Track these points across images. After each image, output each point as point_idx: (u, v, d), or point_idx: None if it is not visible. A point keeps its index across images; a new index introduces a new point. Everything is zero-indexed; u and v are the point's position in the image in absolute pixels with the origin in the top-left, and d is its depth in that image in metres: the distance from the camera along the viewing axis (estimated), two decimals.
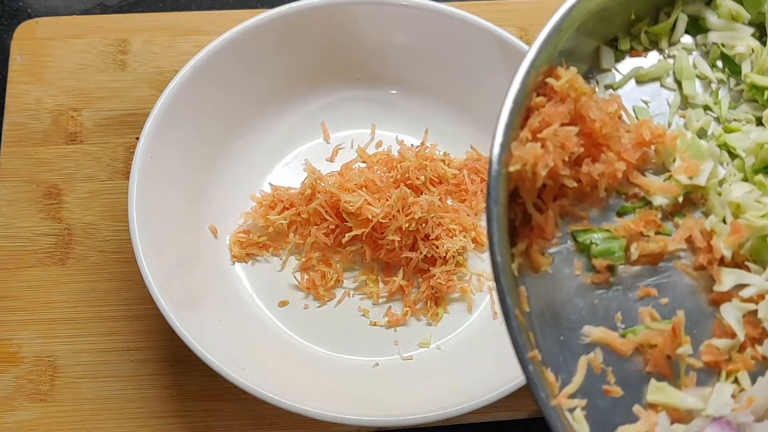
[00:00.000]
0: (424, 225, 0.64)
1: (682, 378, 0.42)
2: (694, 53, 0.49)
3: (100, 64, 0.75)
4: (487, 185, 0.40)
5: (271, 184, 0.70)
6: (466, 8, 0.67)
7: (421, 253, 0.65)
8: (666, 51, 0.49)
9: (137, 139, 0.62)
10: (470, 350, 0.64)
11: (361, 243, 0.67)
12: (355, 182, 0.66)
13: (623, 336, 0.42)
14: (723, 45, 0.48)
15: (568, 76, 0.43)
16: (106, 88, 0.74)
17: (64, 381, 0.63)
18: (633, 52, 0.49)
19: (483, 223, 0.38)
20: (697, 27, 0.49)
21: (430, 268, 0.65)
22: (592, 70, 0.48)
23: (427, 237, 0.65)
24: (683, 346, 0.42)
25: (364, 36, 0.70)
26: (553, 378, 0.40)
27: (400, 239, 0.64)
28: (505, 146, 0.40)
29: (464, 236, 0.66)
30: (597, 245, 0.43)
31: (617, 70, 0.48)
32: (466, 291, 0.66)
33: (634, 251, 0.43)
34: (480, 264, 0.68)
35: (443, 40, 0.69)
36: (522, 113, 0.42)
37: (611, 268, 0.44)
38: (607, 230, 0.44)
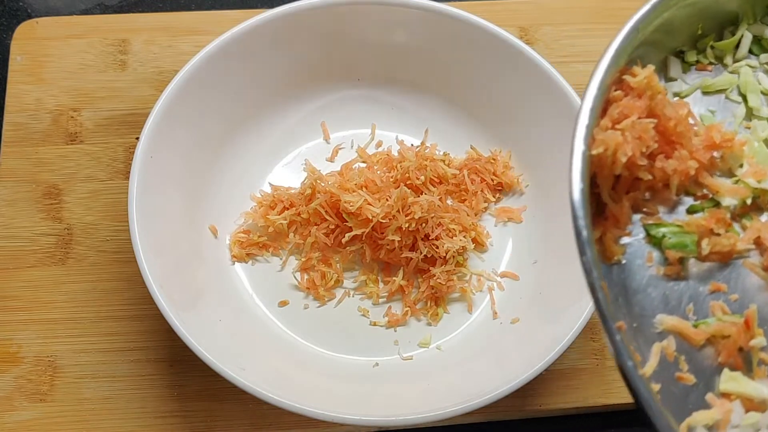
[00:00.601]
0: (424, 225, 0.64)
1: (755, 370, 0.43)
2: (759, 71, 0.51)
3: (100, 64, 0.75)
4: (570, 166, 0.41)
5: (271, 184, 0.70)
6: (466, 8, 0.67)
7: (421, 253, 0.65)
8: (730, 67, 0.51)
9: (137, 139, 0.62)
10: (470, 350, 0.64)
11: (361, 243, 0.67)
12: (355, 182, 0.66)
13: (696, 326, 0.43)
14: None
15: (645, 72, 0.44)
16: (106, 88, 0.74)
17: (64, 381, 0.63)
18: (699, 66, 0.51)
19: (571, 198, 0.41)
20: (760, 46, 0.51)
21: (430, 268, 0.65)
22: (661, 79, 0.49)
23: (427, 237, 0.65)
24: (756, 338, 0.42)
25: (364, 36, 0.70)
26: (637, 355, 0.41)
27: (400, 239, 0.64)
28: (590, 129, 0.42)
29: (464, 236, 0.66)
30: (670, 238, 0.45)
31: (684, 81, 0.50)
32: (466, 291, 0.66)
33: (705, 247, 0.45)
34: (480, 264, 0.68)
35: (443, 40, 0.69)
36: (601, 103, 0.43)
37: (682, 262, 0.45)
38: (679, 225, 0.45)
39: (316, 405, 0.55)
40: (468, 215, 0.68)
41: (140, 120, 0.63)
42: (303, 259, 0.67)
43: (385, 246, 0.65)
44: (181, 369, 0.64)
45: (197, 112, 0.65)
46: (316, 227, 0.67)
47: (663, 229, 0.45)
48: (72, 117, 0.73)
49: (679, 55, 0.51)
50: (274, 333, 0.64)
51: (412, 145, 0.72)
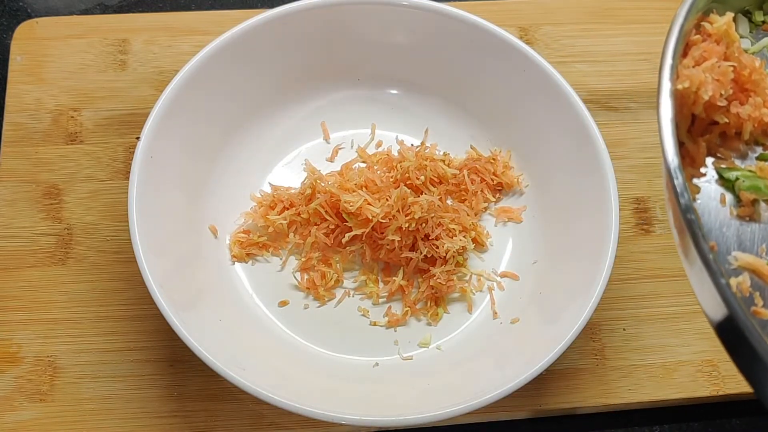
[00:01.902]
0: (424, 225, 0.64)
1: None
2: None
3: (100, 64, 0.75)
4: (658, 100, 0.43)
5: (271, 184, 0.70)
6: (466, 8, 0.68)
7: (421, 253, 0.65)
8: None
9: (137, 138, 0.62)
10: (470, 350, 0.64)
11: (361, 243, 0.67)
12: (355, 182, 0.66)
13: None
14: None
15: (724, 19, 0.46)
16: (106, 88, 0.74)
17: (64, 381, 0.63)
18: (765, 26, 0.52)
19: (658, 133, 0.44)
20: None
21: (430, 268, 0.65)
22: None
23: (427, 237, 0.65)
24: None
25: (364, 36, 0.70)
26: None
27: (400, 239, 0.64)
28: (674, 68, 0.44)
29: (464, 236, 0.66)
30: (744, 181, 0.47)
31: (752, 39, 0.52)
32: (466, 291, 0.66)
33: None
34: (480, 264, 0.68)
35: (443, 40, 0.69)
36: (682, 45, 0.45)
37: (755, 204, 0.47)
38: (752, 170, 0.47)
39: (316, 405, 0.55)
40: (468, 215, 0.68)
41: (140, 120, 0.63)
42: (303, 259, 0.67)
43: (385, 246, 0.65)
44: (181, 369, 0.64)
45: (197, 112, 0.65)
46: (316, 227, 0.67)
47: (736, 173, 0.47)
48: (72, 117, 0.73)
49: (747, 14, 0.52)
50: (274, 333, 0.64)
51: (412, 145, 0.72)
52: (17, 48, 0.75)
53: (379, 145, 0.72)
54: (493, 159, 0.70)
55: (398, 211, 0.64)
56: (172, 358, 0.64)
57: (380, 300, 0.66)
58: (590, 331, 0.67)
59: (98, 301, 0.66)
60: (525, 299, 0.65)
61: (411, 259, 0.65)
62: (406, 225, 0.64)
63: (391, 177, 0.68)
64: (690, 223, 0.41)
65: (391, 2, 0.67)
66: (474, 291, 0.67)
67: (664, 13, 0.81)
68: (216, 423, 0.63)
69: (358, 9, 0.68)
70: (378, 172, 0.69)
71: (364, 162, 0.71)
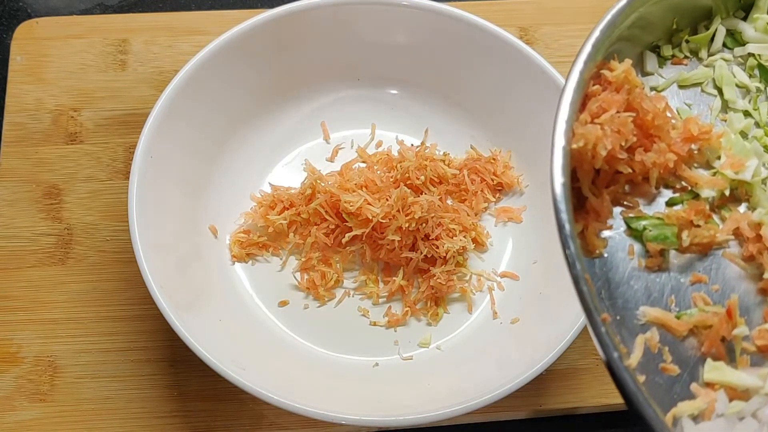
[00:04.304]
0: (424, 225, 0.64)
1: (738, 359, 0.43)
2: (732, 64, 0.51)
3: (100, 64, 0.75)
4: (551, 161, 0.41)
5: (271, 184, 0.70)
6: (467, 8, 0.67)
7: (421, 253, 0.65)
8: (705, 60, 0.51)
9: (138, 139, 0.62)
10: (470, 350, 0.64)
11: (361, 243, 0.67)
12: (355, 182, 0.66)
13: (678, 318, 0.44)
14: (760, 56, 0.51)
15: (623, 67, 0.45)
16: (106, 88, 0.74)
17: (64, 381, 0.63)
18: (674, 60, 0.52)
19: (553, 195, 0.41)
20: (734, 40, 0.52)
21: (430, 268, 0.65)
22: (637, 74, 0.50)
23: (427, 237, 0.65)
24: (739, 327, 0.43)
25: (364, 36, 0.70)
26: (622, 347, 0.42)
27: (400, 239, 0.64)
28: (569, 124, 0.42)
29: (464, 236, 0.66)
30: (650, 231, 0.45)
31: (660, 75, 0.51)
32: (466, 291, 0.66)
33: (686, 238, 0.45)
34: (480, 264, 0.68)
35: (443, 40, 0.69)
36: (580, 98, 0.44)
37: (663, 254, 0.45)
38: (659, 218, 0.46)
39: (316, 405, 0.55)
40: (468, 215, 0.68)
41: (140, 120, 0.63)
42: (303, 259, 0.67)
43: (385, 246, 0.65)
44: (181, 369, 0.64)
45: (197, 112, 0.65)
46: (316, 227, 0.67)
47: (643, 222, 0.46)
48: (72, 117, 0.73)
49: (655, 49, 0.51)
50: (274, 333, 0.64)
51: (412, 145, 0.72)
52: (17, 48, 0.75)
53: (379, 145, 0.72)
54: (493, 159, 0.70)
55: (398, 211, 0.64)
56: (172, 358, 0.64)
57: (380, 300, 0.66)
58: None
59: (98, 301, 0.66)
60: (525, 299, 0.65)
61: (411, 259, 0.65)
62: (406, 225, 0.64)
63: (391, 177, 0.68)
64: (581, 294, 0.40)
65: (391, 2, 0.67)
66: (474, 291, 0.67)
67: None
68: (216, 423, 0.63)
69: (358, 9, 0.68)
70: (378, 172, 0.69)
71: (364, 162, 0.71)
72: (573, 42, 0.79)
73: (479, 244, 0.69)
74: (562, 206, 0.41)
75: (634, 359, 0.42)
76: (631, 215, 0.46)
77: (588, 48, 0.44)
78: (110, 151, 0.72)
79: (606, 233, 0.45)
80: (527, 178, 0.70)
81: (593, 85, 0.45)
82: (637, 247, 0.45)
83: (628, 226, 0.46)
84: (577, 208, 0.45)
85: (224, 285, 0.65)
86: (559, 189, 0.41)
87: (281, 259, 0.68)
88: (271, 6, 0.68)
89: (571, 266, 0.40)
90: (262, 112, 0.71)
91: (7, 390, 0.63)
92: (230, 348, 0.59)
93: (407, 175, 0.68)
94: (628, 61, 0.45)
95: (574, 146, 0.42)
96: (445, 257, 0.65)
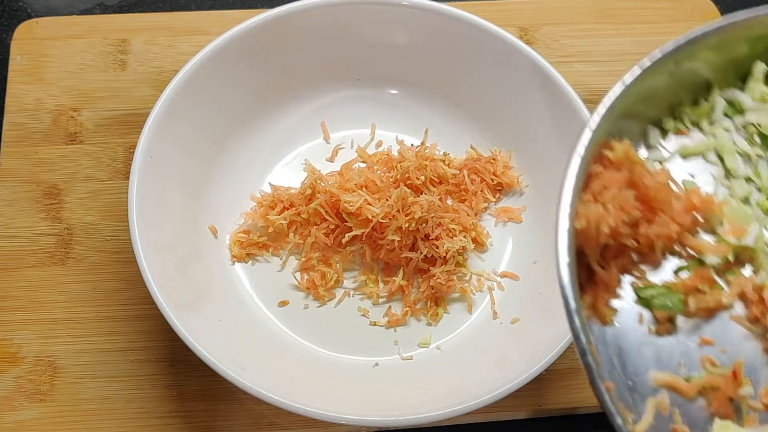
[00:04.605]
0: (424, 225, 0.64)
1: (745, 417, 0.45)
2: (733, 132, 0.53)
3: (100, 64, 0.75)
4: (555, 242, 0.44)
5: (271, 184, 0.70)
6: (467, 8, 0.67)
7: (421, 253, 0.65)
8: (707, 130, 0.53)
9: (138, 139, 0.62)
10: (470, 350, 0.64)
11: (361, 243, 0.67)
12: (355, 182, 0.66)
13: (687, 380, 0.46)
14: (759, 125, 0.52)
15: (623, 147, 0.47)
16: (106, 88, 0.74)
17: (64, 381, 0.63)
18: (677, 132, 0.53)
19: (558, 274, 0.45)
20: (734, 109, 0.54)
21: (430, 268, 0.65)
22: (641, 147, 0.52)
23: (427, 237, 0.65)
24: (744, 387, 0.45)
25: (364, 36, 0.70)
26: (627, 413, 0.44)
27: (400, 239, 0.64)
28: (573, 206, 0.45)
29: (464, 236, 0.66)
30: (658, 299, 0.48)
31: (664, 147, 0.53)
32: (466, 291, 0.66)
33: (692, 304, 0.47)
34: (480, 264, 0.68)
35: (443, 40, 0.69)
36: (582, 179, 0.46)
37: (671, 320, 0.48)
38: (666, 286, 0.48)
39: (316, 405, 0.55)
40: (468, 215, 0.68)
41: (140, 120, 0.63)
42: (303, 259, 0.67)
43: (385, 246, 0.65)
44: (181, 369, 0.64)
45: (197, 113, 0.65)
46: (316, 227, 0.67)
47: (651, 291, 0.48)
48: (72, 117, 0.73)
49: (658, 123, 0.53)
50: (274, 333, 0.64)
51: (412, 145, 0.72)
52: (17, 48, 0.75)
53: (379, 145, 0.72)
54: (493, 159, 0.70)
55: (398, 211, 0.64)
56: (172, 358, 0.64)
57: (380, 300, 0.66)
58: None
59: (98, 301, 0.66)
60: (525, 299, 0.65)
61: (411, 259, 0.65)
62: (406, 225, 0.64)
63: (391, 177, 0.68)
64: (587, 366, 0.42)
65: (391, 2, 0.67)
66: (474, 291, 0.67)
67: (664, 13, 0.82)
68: (216, 423, 0.63)
69: (358, 9, 0.68)
70: (378, 172, 0.69)
71: (364, 162, 0.71)
72: (573, 42, 0.79)
73: (479, 244, 0.69)
74: (567, 285, 0.43)
75: (646, 422, 0.44)
76: (639, 285, 0.48)
77: (587, 133, 0.45)
78: (110, 151, 0.72)
79: (616, 302, 0.48)
80: (527, 178, 0.70)
81: (595, 165, 0.47)
82: (646, 314, 0.48)
83: (637, 295, 0.48)
84: (587, 280, 0.47)
85: (224, 285, 0.65)
86: (564, 269, 0.43)
87: (281, 259, 0.68)
88: (271, 6, 0.68)
89: (576, 339, 0.42)
90: (262, 112, 0.71)
91: (7, 390, 0.63)
92: (230, 348, 0.59)
93: (407, 175, 0.68)
94: (626, 142, 0.47)
95: (578, 226, 0.45)
96: (445, 257, 0.65)
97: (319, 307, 0.66)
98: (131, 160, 0.61)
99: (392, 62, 0.72)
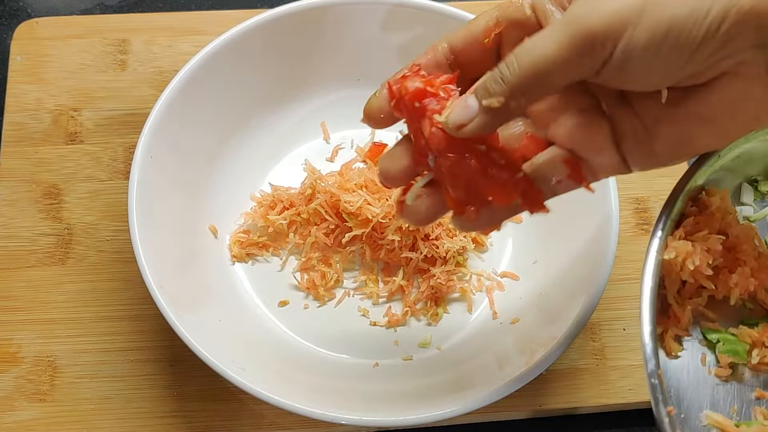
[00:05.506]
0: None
1: None
2: None
3: (100, 64, 0.75)
4: (643, 270, 0.47)
5: (271, 184, 0.70)
6: (466, 8, 0.67)
7: (421, 253, 0.65)
8: None
9: (138, 139, 0.62)
10: (470, 350, 0.64)
11: (361, 243, 0.67)
12: (355, 182, 0.66)
13: (737, 426, 0.48)
14: None
15: (720, 194, 0.51)
16: (106, 88, 0.74)
17: (64, 381, 0.63)
18: None
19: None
20: None
21: (430, 268, 0.65)
22: (733, 202, 0.55)
23: (427, 237, 0.65)
24: None
25: (364, 36, 0.70)
26: None
27: (400, 239, 0.64)
28: (663, 240, 0.48)
29: (464, 236, 0.66)
30: (724, 344, 0.51)
31: (755, 207, 0.57)
32: (466, 291, 0.66)
33: (755, 356, 0.50)
34: (480, 264, 0.68)
35: None
36: (677, 216, 0.49)
37: (733, 367, 0.51)
38: (733, 334, 0.51)
39: (316, 405, 0.55)
40: None
41: (140, 120, 0.63)
42: (303, 259, 0.67)
43: (385, 246, 0.65)
44: (181, 369, 0.64)
45: (197, 112, 0.65)
46: (316, 227, 0.67)
47: (718, 335, 0.51)
48: (72, 117, 0.73)
49: (753, 183, 0.56)
50: (274, 333, 0.64)
51: None
52: (17, 48, 0.75)
53: None
54: None
55: None
56: (172, 358, 0.64)
57: (380, 300, 0.66)
58: (590, 331, 0.67)
59: (98, 301, 0.66)
60: (525, 299, 0.65)
61: (411, 259, 0.65)
62: (406, 225, 0.64)
63: None
64: (652, 387, 0.44)
65: (391, 2, 0.67)
66: (474, 291, 0.67)
67: None
68: (216, 423, 0.63)
69: (358, 9, 0.68)
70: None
71: (364, 162, 0.71)
72: None
73: (479, 244, 0.68)
74: (647, 310, 0.46)
75: None
76: (708, 327, 0.52)
77: (690, 175, 0.49)
78: (110, 151, 0.72)
79: (685, 338, 0.51)
80: None
81: (691, 206, 0.50)
82: (709, 356, 0.51)
83: (704, 336, 0.51)
84: (661, 312, 0.50)
85: (224, 285, 0.65)
86: (647, 292, 0.46)
87: (281, 259, 0.68)
88: (271, 6, 0.68)
89: (647, 361, 0.45)
90: (262, 111, 0.71)
91: (7, 390, 0.63)
92: (230, 348, 0.59)
93: None
94: (725, 190, 0.51)
95: (666, 257, 0.47)
96: (445, 257, 0.65)
97: (319, 307, 0.66)
98: (131, 160, 0.61)
99: (392, 62, 0.71)
